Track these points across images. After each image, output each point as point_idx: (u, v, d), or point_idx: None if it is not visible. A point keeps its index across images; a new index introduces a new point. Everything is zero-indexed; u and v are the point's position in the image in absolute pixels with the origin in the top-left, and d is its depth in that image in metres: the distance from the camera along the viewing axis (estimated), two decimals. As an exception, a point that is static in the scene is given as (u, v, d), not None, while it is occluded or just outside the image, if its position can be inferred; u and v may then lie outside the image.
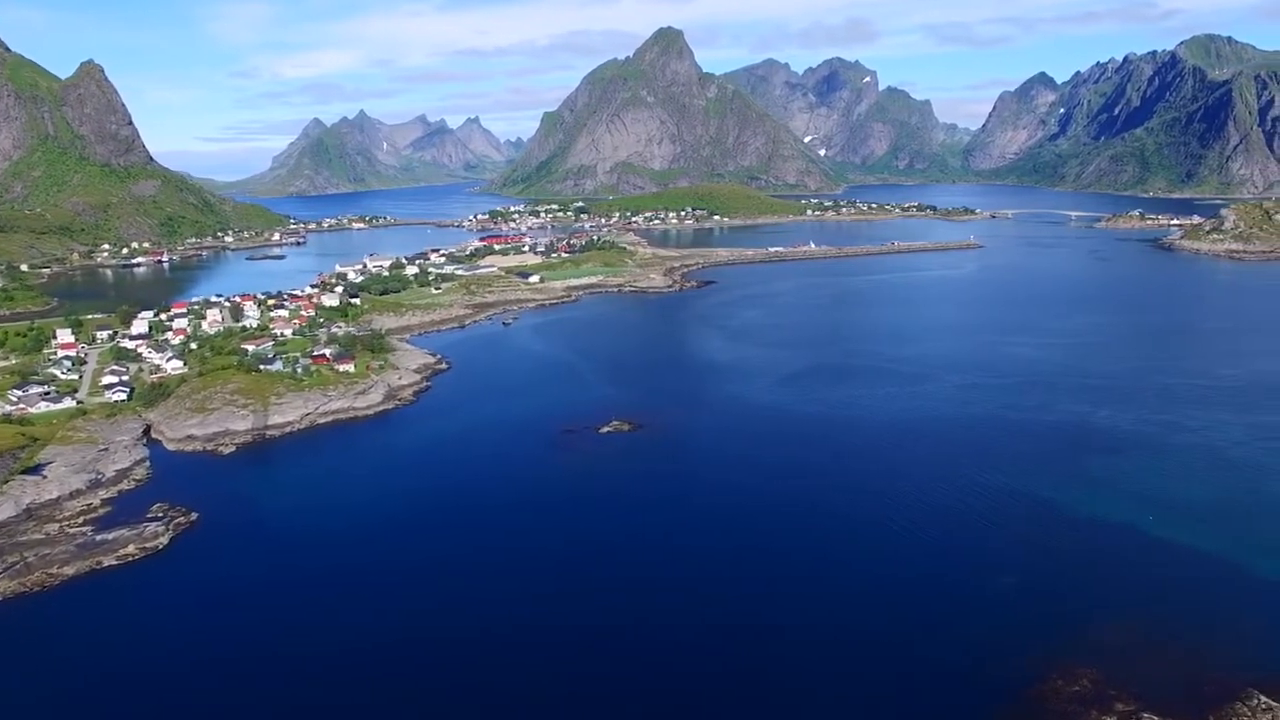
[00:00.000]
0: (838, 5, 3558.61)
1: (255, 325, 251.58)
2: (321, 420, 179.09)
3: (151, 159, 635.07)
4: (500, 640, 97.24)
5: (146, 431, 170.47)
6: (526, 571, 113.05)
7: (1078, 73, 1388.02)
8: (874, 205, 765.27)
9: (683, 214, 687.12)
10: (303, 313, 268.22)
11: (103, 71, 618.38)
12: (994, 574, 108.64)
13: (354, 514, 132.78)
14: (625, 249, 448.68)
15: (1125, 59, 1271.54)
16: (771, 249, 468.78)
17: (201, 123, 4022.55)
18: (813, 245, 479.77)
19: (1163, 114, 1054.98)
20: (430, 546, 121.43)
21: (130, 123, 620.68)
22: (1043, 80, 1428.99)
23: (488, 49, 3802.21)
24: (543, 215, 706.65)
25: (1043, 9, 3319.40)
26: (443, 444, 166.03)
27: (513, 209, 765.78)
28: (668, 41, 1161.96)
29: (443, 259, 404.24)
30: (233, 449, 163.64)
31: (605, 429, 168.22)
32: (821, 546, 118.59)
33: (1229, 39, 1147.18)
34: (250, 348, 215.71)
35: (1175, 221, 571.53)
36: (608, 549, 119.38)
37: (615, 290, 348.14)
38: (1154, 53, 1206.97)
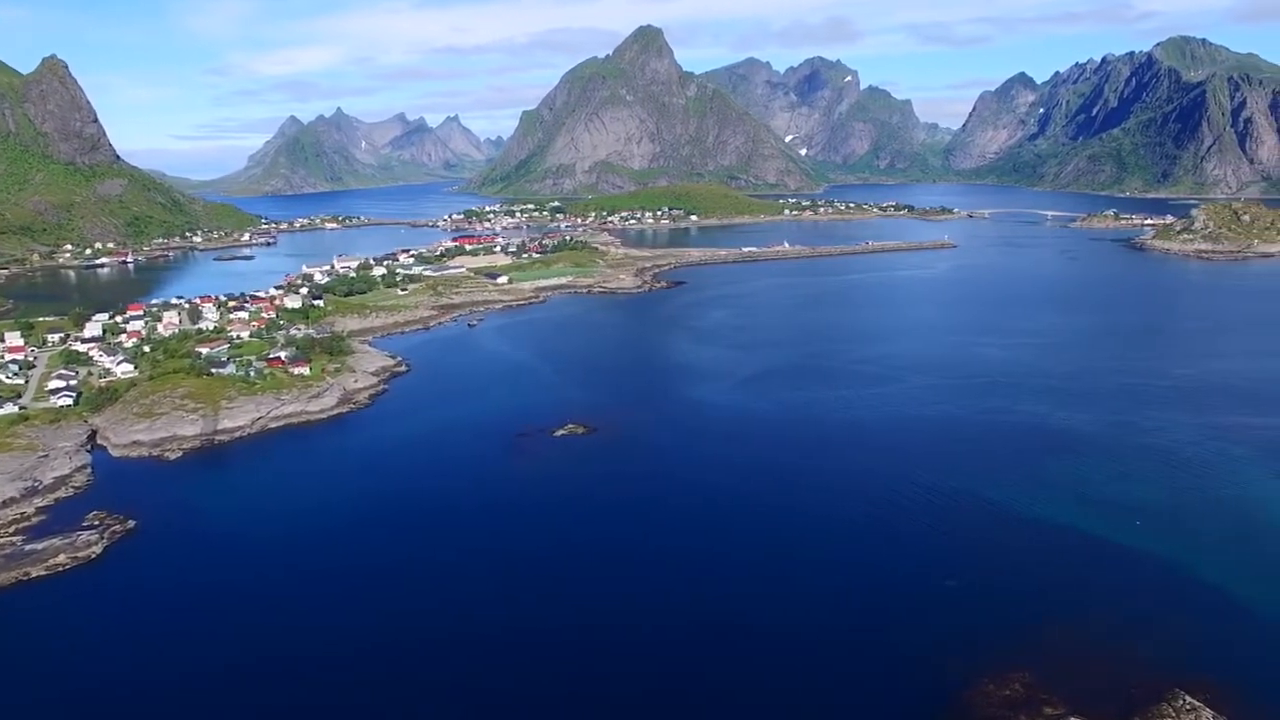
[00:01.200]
0: (819, 4, 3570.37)
1: (213, 328, 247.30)
2: (273, 424, 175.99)
3: (118, 157, 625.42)
4: (450, 644, 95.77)
5: (91, 437, 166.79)
6: (471, 576, 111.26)
7: (1057, 73, 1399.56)
8: (852, 205, 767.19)
9: (659, 214, 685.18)
10: (263, 315, 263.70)
11: (66, 67, 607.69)
12: (938, 577, 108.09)
13: (298, 520, 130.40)
14: (597, 249, 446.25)
15: (1103, 60, 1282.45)
16: (745, 249, 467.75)
17: (176, 121, 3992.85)
18: (787, 245, 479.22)
19: (1139, 114, 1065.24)
20: (373, 552, 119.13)
21: (95, 120, 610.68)
22: (1022, 80, 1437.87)
23: (467, 47, 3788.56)
24: (518, 215, 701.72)
25: (1023, 9, 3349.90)
26: (393, 449, 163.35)
27: (488, 209, 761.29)
28: (648, 40, 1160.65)
29: (411, 259, 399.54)
30: (179, 454, 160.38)
31: (560, 432, 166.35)
32: (766, 549, 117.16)
33: (1203, 41, 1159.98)
34: (204, 350, 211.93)
35: (1148, 221, 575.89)
36: (552, 554, 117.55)
37: (584, 291, 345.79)
38: (1131, 54, 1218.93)
